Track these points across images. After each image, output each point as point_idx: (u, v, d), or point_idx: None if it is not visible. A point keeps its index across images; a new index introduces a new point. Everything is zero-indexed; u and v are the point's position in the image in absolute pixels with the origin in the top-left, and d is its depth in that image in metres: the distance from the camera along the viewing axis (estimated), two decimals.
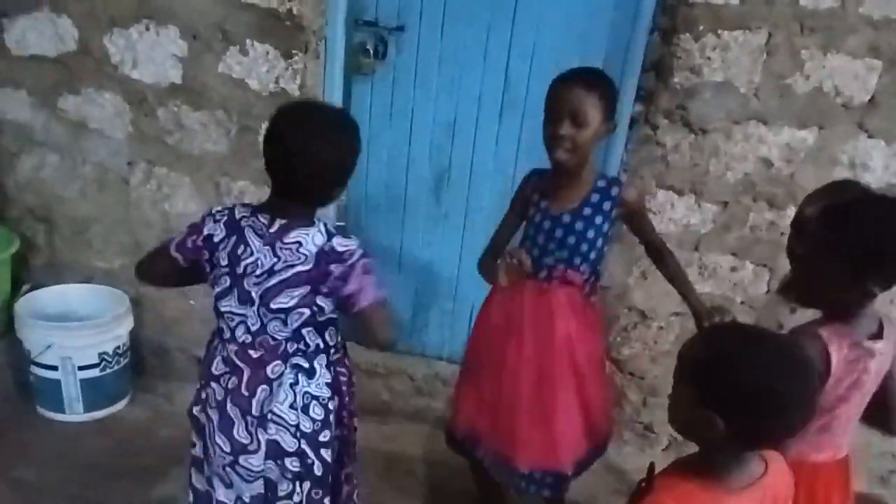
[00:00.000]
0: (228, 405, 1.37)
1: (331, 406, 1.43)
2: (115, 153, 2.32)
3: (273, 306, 1.32)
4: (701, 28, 1.98)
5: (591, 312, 1.79)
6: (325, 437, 1.42)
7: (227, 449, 1.38)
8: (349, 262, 1.31)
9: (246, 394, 1.36)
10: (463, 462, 1.96)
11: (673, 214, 2.19)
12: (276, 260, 1.31)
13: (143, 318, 2.47)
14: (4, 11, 2.22)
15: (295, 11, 2.08)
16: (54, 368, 2.21)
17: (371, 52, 2.29)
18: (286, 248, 1.30)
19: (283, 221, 1.32)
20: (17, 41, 2.26)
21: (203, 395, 1.43)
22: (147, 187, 2.34)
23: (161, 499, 2.02)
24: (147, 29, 2.17)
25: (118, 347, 2.29)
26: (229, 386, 1.37)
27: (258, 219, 1.33)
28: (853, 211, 1.24)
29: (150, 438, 2.26)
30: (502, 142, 2.36)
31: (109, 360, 2.27)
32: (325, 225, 1.34)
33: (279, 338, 1.36)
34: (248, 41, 2.13)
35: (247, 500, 1.43)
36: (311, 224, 1.33)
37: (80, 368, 2.22)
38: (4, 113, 2.34)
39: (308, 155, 1.27)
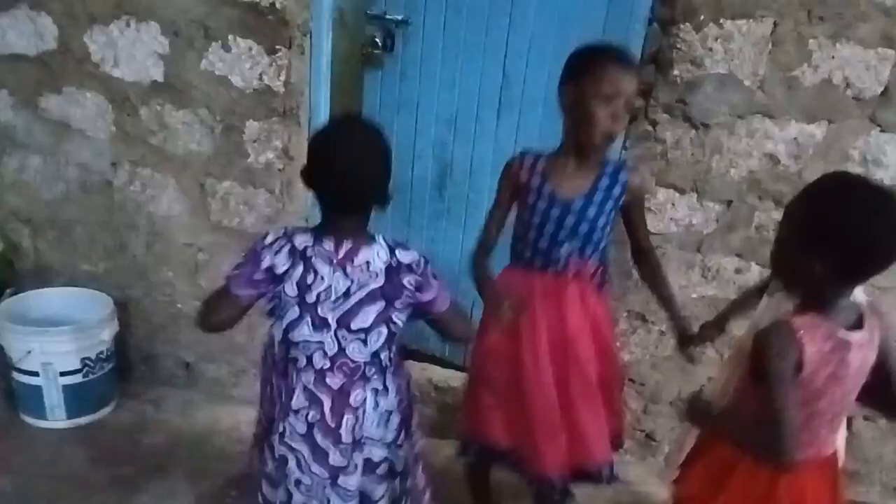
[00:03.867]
0: (319, 437, 1.39)
1: (405, 413, 1.50)
2: (97, 154, 2.26)
3: (353, 327, 1.35)
4: (702, 18, 1.87)
5: (601, 304, 1.71)
6: (403, 437, 1.49)
7: (326, 475, 1.41)
8: (419, 271, 1.36)
9: (333, 425, 1.39)
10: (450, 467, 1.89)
11: (674, 214, 2.09)
12: (350, 283, 1.33)
13: (130, 323, 2.42)
14: None
15: (278, 6, 2.00)
16: (35, 374, 2.16)
17: (380, 44, 2.32)
18: (357, 269, 1.33)
19: (349, 244, 1.33)
20: None
21: (280, 428, 1.41)
22: (131, 189, 2.28)
23: None
24: (127, 25, 2.11)
25: (102, 353, 2.24)
26: (310, 419, 1.39)
27: (322, 245, 1.33)
28: (837, 195, 1.19)
29: (134, 447, 2.20)
30: (501, 138, 2.32)
31: (92, 365, 2.21)
32: (384, 239, 1.37)
33: (358, 360, 1.38)
34: (230, 37, 2.06)
35: None
36: (373, 240, 1.36)
37: (62, 374, 2.17)
38: None
39: (364, 166, 1.32)
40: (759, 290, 1.69)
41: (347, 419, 1.39)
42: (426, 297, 1.37)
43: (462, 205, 2.43)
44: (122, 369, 2.41)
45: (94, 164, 2.28)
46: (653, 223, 2.06)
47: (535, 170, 1.62)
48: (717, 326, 1.73)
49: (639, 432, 2.35)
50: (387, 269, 1.33)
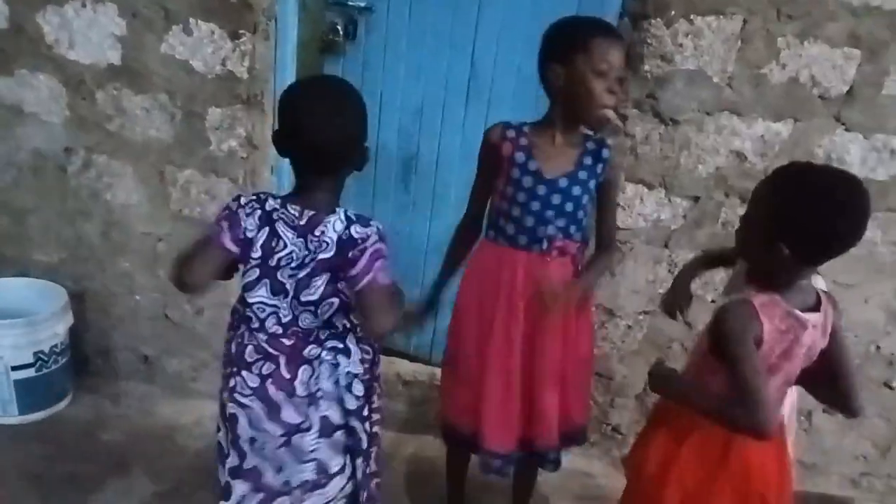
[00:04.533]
0: (272, 390, 1.36)
1: (370, 381, 1.44)
2: (51, 139, 2.17)
3: (303, 299, 1.33)
4: (673, 13, 1.87)
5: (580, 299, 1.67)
6: (367, 411, 1.44)
7: (279, 432, 1.36)
8: (361, 246, 1.30)
9: (288, 376, 1.36)
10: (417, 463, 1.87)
11: (642, 209, 2.09)
12: (307, 252, 1.31)
13: (86, 315, 2.34)
14: None
15: None
16: None
17: (341, 31, 2.24)
18: (315, 240, 1.31)
19: (312, 213, 1.31)
20: None
21: (231, 384, 1.39)
22: (86, 176, 2.19)
23: None
24: (83, 6, 2.02)
25: (56, 346, 2.16)
26: (264, 371, 1.36)
27: (288, 210, 1.32)
28: (805, 184, 1.22)
29: (91, 443, 2.13)
30: (469, 129, 2.28)
31: (46, 359, 2.14)
32: (346, 212, 1.33)
33: (311, 327, 1.36)
34: (191, 20, 1.99)
35: (294, 484, 1.40)
36: (334, 212, 1.32)
37: (14, 368, 2.09)
38: None
39: (336, 123, 1.28)
40: (709, 261, 1.71)
41: (304, 370, 1.36)
42: (353, 269, 1.30)
43: (428, 197, 2.40)
44: (78, 363, 2.33)
45: (48, 150, 2.19)
46: (621, 218, 2.06)
47: (517, 143, 1.58)
48: (677, 300, 1.70)
49: (605, 426, 2.36)
50: (338, 240, 1.30)
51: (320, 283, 1.33)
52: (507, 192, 1.60)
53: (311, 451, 1.38)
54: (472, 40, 2.18)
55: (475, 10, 2.15)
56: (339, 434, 1.41)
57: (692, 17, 1.86)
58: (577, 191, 1.57)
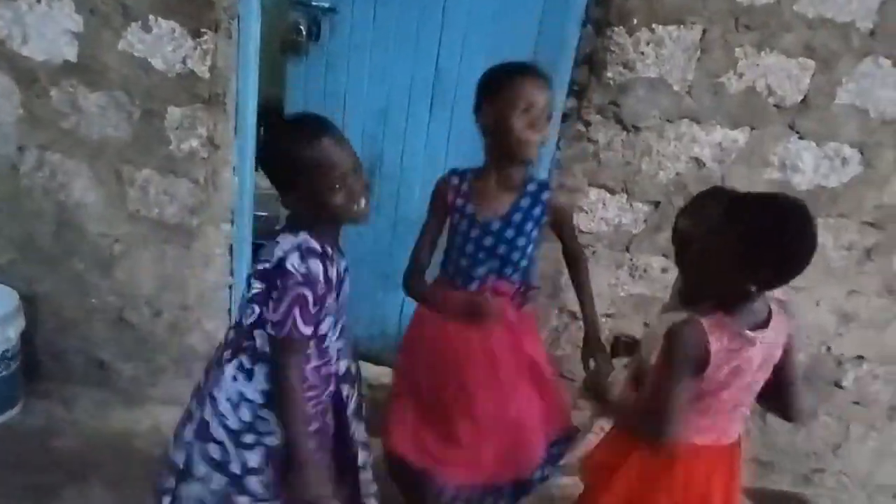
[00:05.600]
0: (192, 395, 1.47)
1: (262, 414, 1.38)
2: (2, 137, 2.08)
3: (247, 294, 1.37)
4: (635, 21, 1.90)
5: (525, 321, 1.72)
6: (248, 440, 1.39)
7: (182, 423, 1.44)
8: (284, 285, 1.28)
9: (204, 375, 1.45)
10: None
11: (605, 214, 2.12)
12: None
13: (38, 318, 2.26)
14: None
15: None
16: None
17: (304, 32, 2.21)
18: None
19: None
20: None
21: None
22: (39, 175, 2.12)
23: None
24: (38, 1, 1.95)
25: (6, 350, 2.09)
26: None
27: None
28: (757, 205, 1.27)
29: (44, 451, 2.07)
30: (433, 133, 2.29)
31: None
32: (301, 243, 1.30)
33: (239, 333, 1.39)
34: (151, 17, 1.94)
35: (177, 465, 1.42)
36: (292, 233, 1.33)
37: None
38: None
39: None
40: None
41: (213, 372, 1.41)
42: (270, 314, 1.30)
43: (392, 200, 2.39)
44: (30, 368, 2.25)
45: None
46: (584, 222, 2.10)
47: (460, 190, 1.64)
48: (630, 347, 1.79)
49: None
50: (279, 258, 1.30)
51: (258, 287, 1.37)
52: (449, 235, 1.68)
53: (187, 443, 1.42)
54: (437, 44, 2.18)
55: (440, 13, 2.16)
56: (212, 447, 1.39)
57: (654, 25, 1.90)
58: (510, 234, 1.61)
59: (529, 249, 1.64)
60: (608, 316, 2.24)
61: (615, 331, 2.22)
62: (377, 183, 2.39)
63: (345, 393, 1.53)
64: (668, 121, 2.00)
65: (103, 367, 2.34)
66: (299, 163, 1.30)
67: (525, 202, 1.62)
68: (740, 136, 2.01)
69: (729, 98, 1.97)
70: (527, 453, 1.70)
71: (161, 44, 1.96)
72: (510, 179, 1.62)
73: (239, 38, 2.03)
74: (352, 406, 1.56)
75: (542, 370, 1.75)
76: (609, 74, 1.95)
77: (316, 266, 1.28)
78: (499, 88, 1.54)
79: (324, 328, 1.37)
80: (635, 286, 2.20)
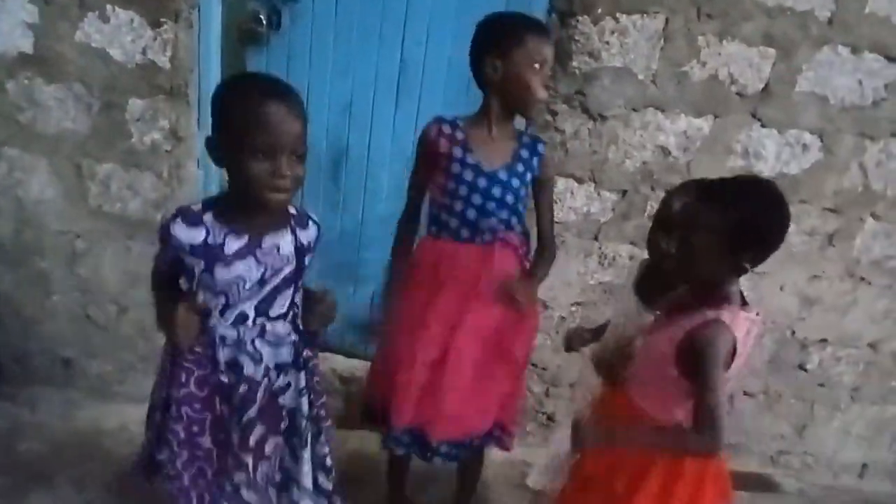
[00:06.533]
0: None
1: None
2: None
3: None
4: (599, 11, 1.91)
5: (525, 319, 1.72)
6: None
7: None
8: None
9: None
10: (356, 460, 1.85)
11: (573, 203, 2.13)
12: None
13: None
14: None
15: None
16: None
17: (264, 21, 2.14)
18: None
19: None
20: None
21: None
22: None
23: None
24: None
25: None
26: None
27: None
28: (734, 185, 1.29)
29: (10, 454, 2.02)
30: (399, 125, 2.26)
31: None
32: (191, 206, 1.29)
33: None
34: (108, 7, 1.89)
35: None
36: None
37: None
38: None
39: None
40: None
41: None
42: None
43: (359, 194, 2.36)
44: None
45: None
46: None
47: (454, 139, 1.59)
48: (586, 338, 1.78)
49: (540, 414, 2.41)
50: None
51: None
52: (447, 188, 1.61)
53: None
54: (402, 37, 2.15)
55: (404, 7, 2.12)
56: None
57: (617, 15, 1.91)
58: (516, 182, 1.60)
59: (526, 200, 1.65)
60: (578, 304, 2.25)
61: (584, 320, 2.25)
62: (343, 176, 2.36)
63: (227, 382, 1.36)
64: (633, 109, 2.01)
65: (68, 366, 2.30)
66: (237, 112, 1.19)
67: (524, 152, 1.62)
68: (704, 124, 2.03)
69: (692, 87, 1.99)
70: (474, 418, 1.69)
71: (119, 34, 1.92)
72: (508, 130, 1.61)
73: (200, 28, 2.00)
74: (252, 410, 1.38)
75: (512, 358, 1.73)
76: (574, 64, 1.96)
77: (180, 229, 1.26)
78: (515, 44, 1.50)
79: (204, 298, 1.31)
80: (604, 274, 2.21)
